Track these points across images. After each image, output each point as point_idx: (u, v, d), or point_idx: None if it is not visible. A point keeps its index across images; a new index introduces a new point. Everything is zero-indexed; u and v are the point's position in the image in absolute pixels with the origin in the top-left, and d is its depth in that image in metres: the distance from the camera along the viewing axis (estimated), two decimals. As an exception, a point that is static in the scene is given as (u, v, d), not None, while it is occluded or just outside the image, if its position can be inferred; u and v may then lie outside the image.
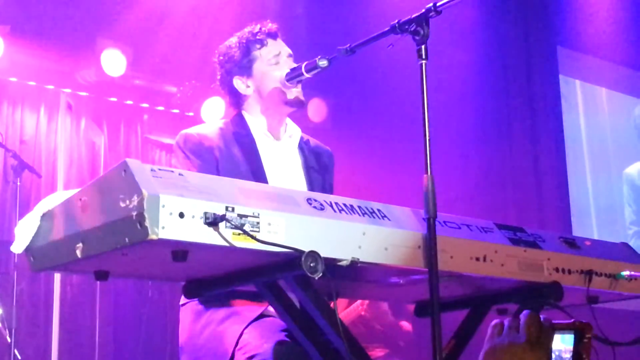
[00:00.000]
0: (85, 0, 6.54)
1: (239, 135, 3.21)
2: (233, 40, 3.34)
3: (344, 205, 2.19)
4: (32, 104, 7.02)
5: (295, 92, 3.24)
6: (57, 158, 6.96)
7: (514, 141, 7.69)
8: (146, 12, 6.72)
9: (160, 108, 7.70)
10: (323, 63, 3.03)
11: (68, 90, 7.09)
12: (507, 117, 7.74)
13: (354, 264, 2.09)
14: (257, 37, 3.30)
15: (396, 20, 2.53)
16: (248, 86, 3.29)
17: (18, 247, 2.16)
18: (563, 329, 1.91)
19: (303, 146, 3.36)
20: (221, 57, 3.35)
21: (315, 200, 2.14)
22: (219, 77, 3.38)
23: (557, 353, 1.87)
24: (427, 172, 2.32)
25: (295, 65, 3.24)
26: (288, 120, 3.37)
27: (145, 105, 7.64)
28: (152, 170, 1.92)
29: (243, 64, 3.29)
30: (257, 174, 3.11)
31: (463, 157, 7.59)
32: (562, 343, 1.92)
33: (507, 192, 7.53)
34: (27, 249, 2.17)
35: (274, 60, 3.28)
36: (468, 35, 7.89)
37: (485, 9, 7.79)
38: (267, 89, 3.26)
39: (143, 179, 1.86)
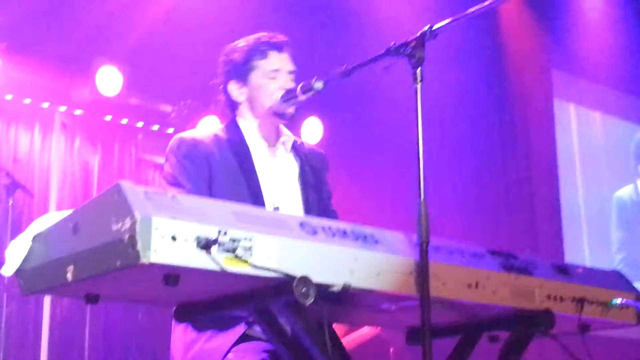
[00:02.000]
0: (81, 19, 6.55)
1: (233, 142, 3.18)
2: (238, 44, 3.30)
3: (337, 229, 2.18)
4: (26, 122, 7.01)
5: (284, 107, 3.22)
6: (51, 177, 6.94)
7: (507, 164, 7.69)
8: (142, 31, 6.73)
9: (155, 127, 7.69)
10: (318, 85, 3.02)
11: (63, 109, 7.09)
12: (501, 140, 7.75)
13: (346, 289, 2.09)
14: (260, 48, 3.25)
15: (392, 43, 2.54)
16: (241, 93, 3.26)
17: (8, 269, 2.15)
18: None
19: (298, 148, 3.33)
20: (223, 58, 3.32)
21: (308, 225, 2.14)
22: (218, 77, 3.34)
23: None
24: (420, 197, 2.32)
25: (293, 83, 3.24)
26: (282, 127, 3.35)
27: (140, 124, 7.63)
28: (145, 192, 1.91)
29: (241, 70, 3.24)
30: (251, 183, 3.10)
31: (456, 180, 7.60)
32: None
33: (500, 216, 7.53)
34: (18, 272, 2.15)
35: (272, 75, 3.23)
36: (462, 58, 7.91)
37: (480, 32, 7.81)
38: (258, 100, 3.23)
39: (136, 201, 1.86)
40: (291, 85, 3.21)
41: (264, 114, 3.24)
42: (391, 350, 6.18)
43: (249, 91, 3.25)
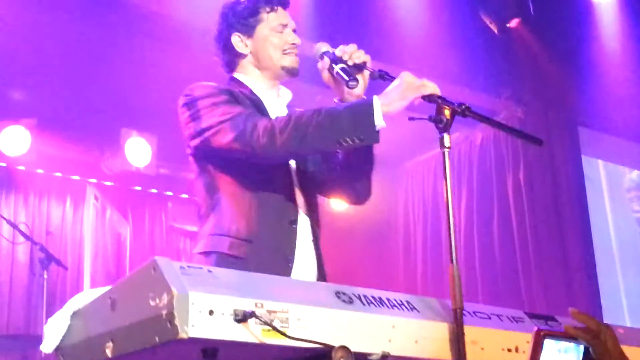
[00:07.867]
0: (109, 91, 6.64)
1: (246, 94, 3.07)
2: None
3: (372, 297, 2.18)
4: (58, 195, 7.09)
5: (292, 60, 3.15)
6: (83, 249, 6.99)
7: (538, 224, 7.58)
8: (169, 101, 6.79)
9: (185, 196, 7.75)
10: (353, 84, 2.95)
11: (93, 181, 7.16)
12: (531, 198, 7.67)
13: (385, 358, 2.08)
14: (269, 1, 3.17)
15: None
16: (246, 45, 3.16)
17: (48, 346, 2.16)
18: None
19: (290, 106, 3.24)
20: (225, 11, 3.19)
21: (344, 294, 2.14)
22: (217, 31, 3.21)
23: None
24: (452, 262, 2.31)
25: (299, 40, 3.17)
26: (280, 85, 3.25)
27: (169, 193, 7.70)
28: (181, 267, 1.93)
29: (247, 22, 3.15)
30: None
31: (487, 246, 7.47)
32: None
33: (533, 279, 7.37)
34: (57, 348, 2.17)
35: (280, 29, 3.16)
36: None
37: (504, 92, 7.80)
38: (265, 53, 3.14)
39: (172, 277, 1.87)
40: (298, 41, 3.16)
41: (272, 68, 3.15)
42: None
43: (255, 44, 3.16)
